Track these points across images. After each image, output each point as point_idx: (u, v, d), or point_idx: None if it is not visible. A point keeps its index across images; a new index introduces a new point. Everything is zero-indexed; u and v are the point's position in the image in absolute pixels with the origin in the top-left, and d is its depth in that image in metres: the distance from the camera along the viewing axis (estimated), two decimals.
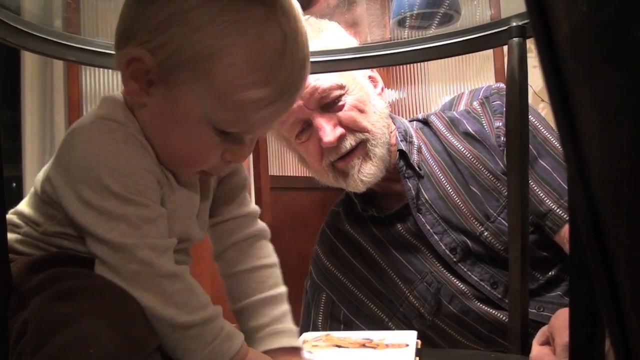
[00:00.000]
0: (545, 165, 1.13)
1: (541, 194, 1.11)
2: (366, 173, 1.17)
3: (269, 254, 0.80)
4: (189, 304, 0.62)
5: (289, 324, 0.76)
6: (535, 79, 2.88)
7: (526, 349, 0.89)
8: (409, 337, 0.84)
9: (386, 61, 1.09)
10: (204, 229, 0.76)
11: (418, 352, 0.82)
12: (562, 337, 0.67)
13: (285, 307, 0.77)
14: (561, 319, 0.70)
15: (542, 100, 2.84)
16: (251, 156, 2.43)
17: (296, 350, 0.75)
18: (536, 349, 0.75)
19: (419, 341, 0.85)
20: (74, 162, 0.63)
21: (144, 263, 0.61)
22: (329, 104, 1.16)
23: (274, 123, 0.70)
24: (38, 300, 0.56)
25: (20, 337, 0.55)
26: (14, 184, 2.43)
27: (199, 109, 0.64)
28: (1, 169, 0.59)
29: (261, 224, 0.82)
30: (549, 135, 1.16)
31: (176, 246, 0.67)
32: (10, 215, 0.68)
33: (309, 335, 0.93)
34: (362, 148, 1.17)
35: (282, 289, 0.78)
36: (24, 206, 0.69)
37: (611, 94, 0.24)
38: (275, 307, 0.76)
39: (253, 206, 0.82)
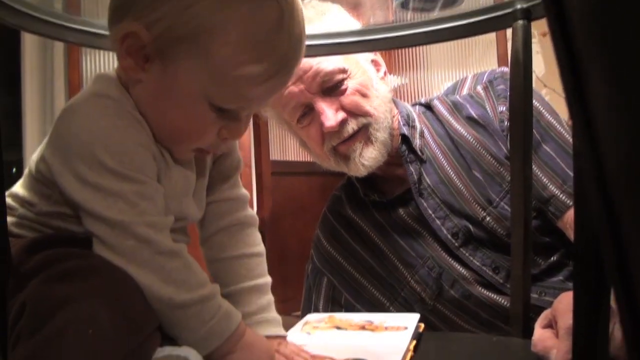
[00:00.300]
0: (548, 150, 1.12)
1: (544, 180, 1.11)
2: (367, 157, 1.16)
3: (258, 242, 0.80)
4: (187, 281, 0.62)
5: (275, 314, 0.77)
6: (538, 64, 2.88)
7: (528, 333, 0.89)
8: (410, 320, 0.83)
9: (389, 44, 1.08)
10: (201, 207, 0.76)
11: (418, 335, 0.82)
12: (565, 320, 0.67)
13: (270, 297, 0.78)
14: (564, 302, 0.70)
15: (545, 86, 2.82)
16: (252, 141, 2.43)
17: (282, 339, 0.75)
18: (538, 332, 0.75)
19: (422, 324, 0.85)
20: (68, 140, 0.63)
21: (142, 240, 0.61)
22: (331, 88, 1.15)
23: (271, 98, 0.70)
24: (36, 282, 0.56)
25: (18, 319, 0.55)
26: (14, 169, 2.43)
27: (196, 86, 0.64)
28: (0, 153, 0.59)
29: (250, 211, 0.82)
30: (552, 120, 1.15)
31: (174, 225, 0.67)
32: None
33: (312, 317, 0.94)
34: (364, 132, 1.17)
35: (269, 278, 0.78)
36: (18, 187, 0.69)
37: (624, 69, 0.24)
38: (262, 296, 0.76)
39: (244, 191, 0.82)
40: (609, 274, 0.25)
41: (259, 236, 0.81)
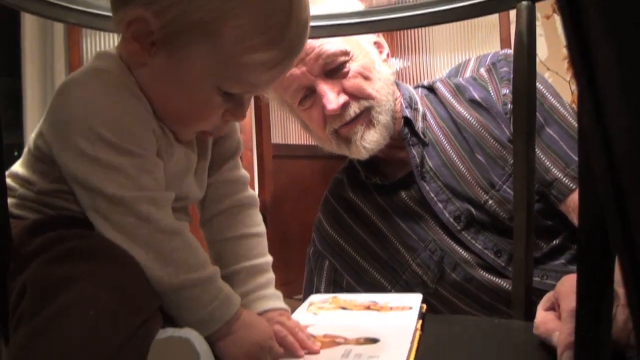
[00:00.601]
0: (551, 133, 1.12)
1: (547, 163, 1.10)
2: (369, 140, 1.16)
3: (258, 223, 0.80)
4: (187, 262, 0.62)
5: (275, 290, 0.77)
6: (541, 47, 2.86)
7: (530, 316, 0.89)
8: (414, 300, 0.84)
9: (392, 25, 1.07)
10: (202, 188, 0.76)
11: (422, 316, 0.82)
12: (569, 302, 0.67)
13: (271, 275, 0.78)
14: (567, 284, 0.70)
15: (548, 69, 2.81)
16: (253, 124, 2.42)
17: (284, 311, 0.75)
18: (541, 314, 0.75)
19: (424, 305, 0.85)
20: (66, 114, 0.62)
21: (142, 218, 0.60)
22: (333, 70, 1.14)
23: (274, 83, 0.70)
24: (37, 263, 0.56)
25: (19, 301, 0.55)
26: (16, 152, 2.42)
27: (204, 71, 0.64)
28: (0, 136, 0.58)
29: (251, 192, 0.82)
30: (556, 103, 1.14)
31: (175, 204, 0.66)
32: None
33: (316, 298, 0.94)
34: (366, 115, 1.16)
35: (269, 258, 0.78)
36: (18, 167, 0.68)
37: (636, 50, 0.23)
38: (262, 275, 0.77)
39: (244, 172, 0.82)
40: (615, 246, 0.24)
41: (259, 216, 0.81)
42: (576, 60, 0.24)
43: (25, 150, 0.69)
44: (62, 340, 0.51)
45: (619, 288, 0.70)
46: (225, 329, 0.64)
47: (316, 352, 0.69)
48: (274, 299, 0.75)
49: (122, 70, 0.66)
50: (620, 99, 0.22)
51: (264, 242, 0.79)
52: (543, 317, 0.73)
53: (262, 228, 0.80)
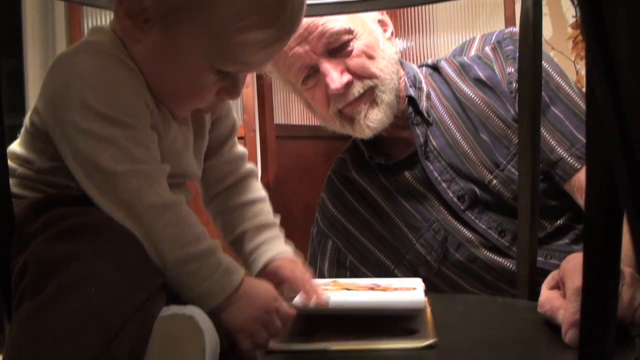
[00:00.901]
0: (557, 113, 1.11)
1: (552, 142, 1.10)
2: (372, 119, 1.15)
3: (258, 188, 0.81)
4: (182, 236, 0.61)
5: (284, 243, 0.78)
6: (546, 26, 2.83)
7: (533, 296, 0.89)
8: (416, 283, 0.83)
9: (396, 3, 1.06)
10: (200, 166, 0.76)
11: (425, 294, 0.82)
12: (574, 280, 0.67)
13: (279, 232, 0.79)
14: (573, 263, 0.70)
15: (553, 49, 2.79)
16: (256, 105, 2.40)
17: (295, 261, 0.76)
18: (545, 292, 0.74)
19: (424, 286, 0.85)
20: (57, 87, 0.62)
21: (135, 192, 0.60)
22: (337, 49, 1.13)
23: (270, 61, 0.71)
24: (38, 241, 0.56)
25: (21, 278, 0.55)
26: (18, 134, 2.41)
27: (197, 49, 0.63)
28: (1, 118, 0.58)
29: (249, 165, 0.82)
30: (562, 82, 1.13)
31: (173, 180, 0.66)
32: None
33: (317, 282, 0.93)
34: (369, 94, 1.15)
35: (276, 219, 0.80)
36: (16, 146, 0.68)
37: None
38: (270, 231, 0.78)
39: (242, 148, 0.83)
40: (626, 205, 0.24)
41: (259, 184, 0.82)
42: (588, 25, 0.23)
43: (23, 129, 0.68)
44: (65, 317, 0.50)
45: (625, 267, 0.70)
46: (228, 301, 0.63)
47: (325, 303, 0.70)
48: (283, 248, 0.77)
49: (115, 44, 0.65)
50: (633, 61, 0.21)
51: (268, 206, 0.81)
52: (547, 295, 0.73)
53: (263, 193, 0.81)
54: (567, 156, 1.08)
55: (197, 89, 0.67)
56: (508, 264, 1.14)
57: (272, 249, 0.75)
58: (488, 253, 1.16)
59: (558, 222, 1.14)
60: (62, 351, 0.49)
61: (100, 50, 0.64)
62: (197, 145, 0.74)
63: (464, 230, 1.17)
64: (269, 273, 0.74)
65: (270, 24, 0.62)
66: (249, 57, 0.65)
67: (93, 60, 0.63)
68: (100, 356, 0.50)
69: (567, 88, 1.13)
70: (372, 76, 1.15)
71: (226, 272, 0.63)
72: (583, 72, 2.50)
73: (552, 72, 1.14)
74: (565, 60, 2.74)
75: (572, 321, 0.63)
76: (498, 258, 1.15)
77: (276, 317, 0.65)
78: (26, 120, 0.67)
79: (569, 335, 0.64)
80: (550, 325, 0.71)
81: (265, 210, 0.80)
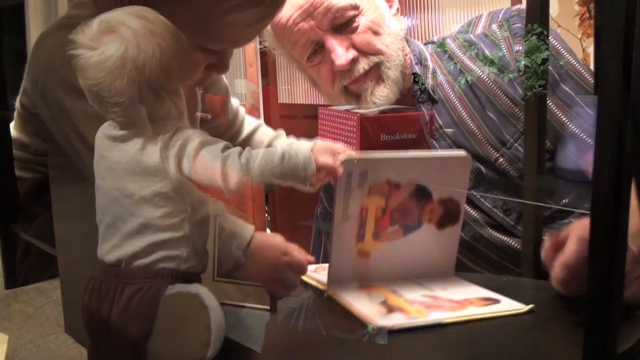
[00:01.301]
0: (567, 90, 1.10)
1: (564, 119, 1.09)
2: (379, 95, 1.14)
3: (255, 121, 0.89)
4: None
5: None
6: (553, 4, 2.80)
7: (539, 275, 0.89)
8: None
9: None
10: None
11: None
12: (580, 230, 0.67)
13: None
14: (578, 224, 0.70)
15: (559, 26, 2.76)
16: (260, 84, 2.39)
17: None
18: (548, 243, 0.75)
19: None
20: (41, 68, 0.62)
21: None
22: (342, 25, 1.12)
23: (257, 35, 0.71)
24: (41, 220, 0.56)
25: (25, 257, 0.55)
26: None
27: (183, 30, 0.62)
28: (5, 98, 0.57)
29: (272, 132, 0.90)
30: (571, 59, 1.12)
31: None
32: None
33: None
34: (375, 71, 1.14)
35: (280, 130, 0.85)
36: (12, 130, 0.68)
37: None
38: (285, 137, 0.84)
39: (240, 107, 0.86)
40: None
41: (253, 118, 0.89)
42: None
43: (15, 112, 0.68)
44: None
45: (632, 244, 0.69)
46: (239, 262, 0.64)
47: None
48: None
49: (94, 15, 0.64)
50: None
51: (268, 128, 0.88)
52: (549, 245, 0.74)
53: (259, 121, 0.88)
54: (579, 132, 1.08)
55: (186, 67, 0.66)
56: (513, 243, 1.13)
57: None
58: (493, 232, 1.15)
59: (564, 200, 1.13)
60: None
61: (76, 25, 0.63)
62: (191, 114, 0.74)
63: (469, 209, 1.17)
64: None
65: (257, 3, 0.62)
66: (235, 36, 0.64)
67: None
68: None
69: (577, 65, 1.12)
70: (377, 52, 1.14)
71: (231, 235, 0.64)
72: (590, 49, 2.48)
73: (562, 50, 1.13)
74: (571, 38, 2.72)
75: (564, 261, 0.66)
76: (503, 237, 1.15)
77: (289, 272, 0.66)
78: (17, 103, 0.67)
79: (555, 274, 0.68)
80: (556, 304, 0.72)
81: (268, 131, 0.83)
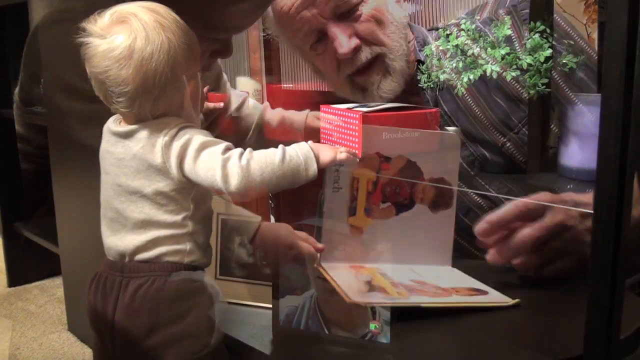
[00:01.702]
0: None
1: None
2: (386, 89, 1.14)
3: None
4: None
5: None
6: None
7: None
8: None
9: None
10: (198, 115, 0.78)
11: None
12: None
13: None
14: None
15: (564, 12, 2.74)
16: (263, 72, 2.38)
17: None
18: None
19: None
20: (37, 64, 0.62)
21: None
22: (345, 13, 1.11)
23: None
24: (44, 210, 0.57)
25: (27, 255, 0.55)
26: None
27: (189, 22, 0.62)
28: (9, 85, 0.58)
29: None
30: (581, 42, 1.11)
31: None
32: None
33: None
34: (380, 63, 1.14)
35: None
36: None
37: None
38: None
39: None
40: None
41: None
42: None
43: (14, 105, 0.68)
44: None
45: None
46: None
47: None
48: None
49: (87, 11, 0.64)
50: None
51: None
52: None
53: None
54: (586, 111, 1.07)
55: (193, 61, 0.66)
56: None
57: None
58: None
59: (568, 185, 1.13)
60: None
61: (69, 18, 0.63)
62: (193, 96, 0.75)
63: (473, 196, 1.16)
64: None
65: None
66: (238, 23, 0.65)
67: (64, 33, 0.62)
68: None
69: (586, 47, 1.11)
70: (380, 43, 1.13)
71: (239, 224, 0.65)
72: (594, 35, 2.46)
73: (571, 32, 1.12)
74: (576, 23, 2.70)
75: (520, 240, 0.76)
76: None
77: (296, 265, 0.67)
78: (15, 97, 0.67)
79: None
80: (557, 292, 0.72)
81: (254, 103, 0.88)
